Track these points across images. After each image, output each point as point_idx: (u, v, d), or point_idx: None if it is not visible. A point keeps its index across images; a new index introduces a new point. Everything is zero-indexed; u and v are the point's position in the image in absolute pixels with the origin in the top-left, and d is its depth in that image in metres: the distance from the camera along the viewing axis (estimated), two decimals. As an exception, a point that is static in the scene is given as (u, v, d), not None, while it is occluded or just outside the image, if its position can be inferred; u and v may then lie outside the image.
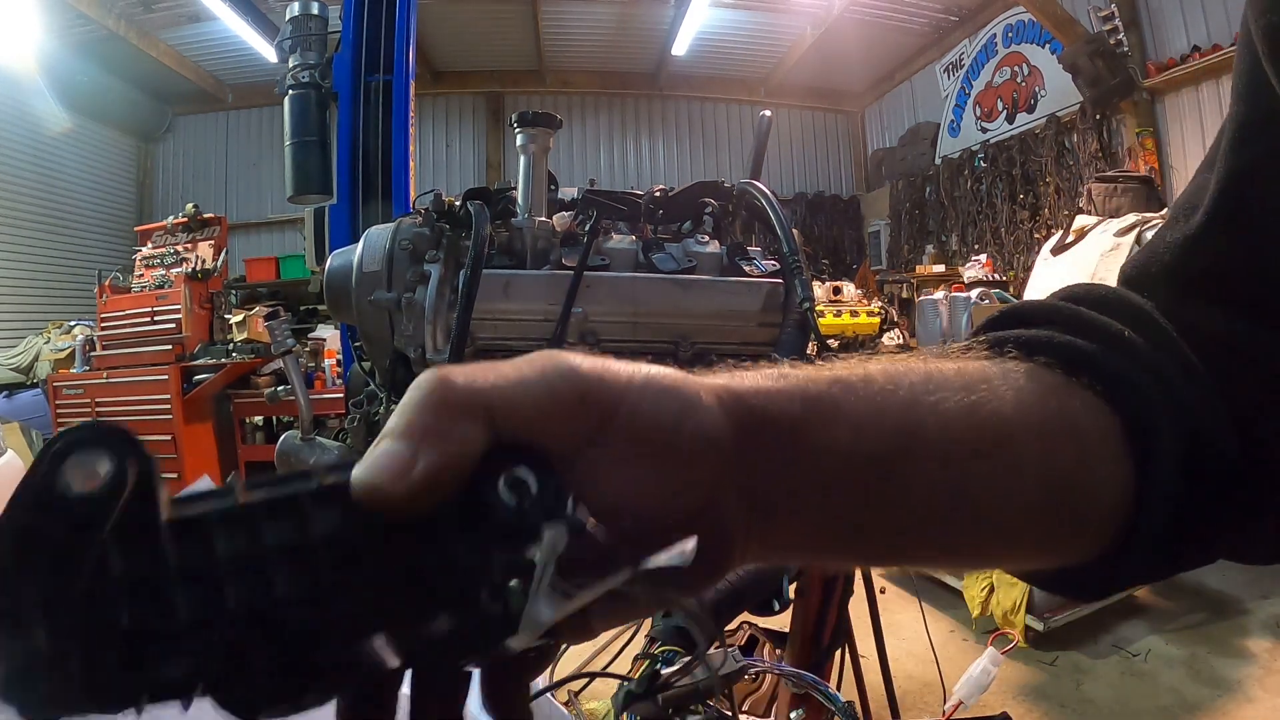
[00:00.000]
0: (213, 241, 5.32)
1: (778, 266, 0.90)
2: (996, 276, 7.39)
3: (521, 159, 0.87)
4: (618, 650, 1.45)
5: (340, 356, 4.91)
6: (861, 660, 1.24)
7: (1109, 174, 4.92)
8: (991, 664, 0.90)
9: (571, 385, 0.28)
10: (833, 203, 10.89)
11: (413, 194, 2.80)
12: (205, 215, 5.46)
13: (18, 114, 7.77)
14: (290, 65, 2.78)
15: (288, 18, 2.83)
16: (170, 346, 4.91)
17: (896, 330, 6.80)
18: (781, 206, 0.91)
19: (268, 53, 6.80)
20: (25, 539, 0.22)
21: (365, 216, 2.68)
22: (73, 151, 8.65)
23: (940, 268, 8.36)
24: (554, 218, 0.88)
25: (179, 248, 5.32)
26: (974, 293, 3.70)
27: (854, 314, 5.43)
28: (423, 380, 0.27)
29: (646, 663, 0.43)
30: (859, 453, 0.32)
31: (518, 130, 0.87)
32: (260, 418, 5.25)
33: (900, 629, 3.12)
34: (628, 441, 0.28)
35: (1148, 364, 0.39)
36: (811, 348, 0.91)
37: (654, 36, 9.01)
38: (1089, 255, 4.01)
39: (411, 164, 2.81)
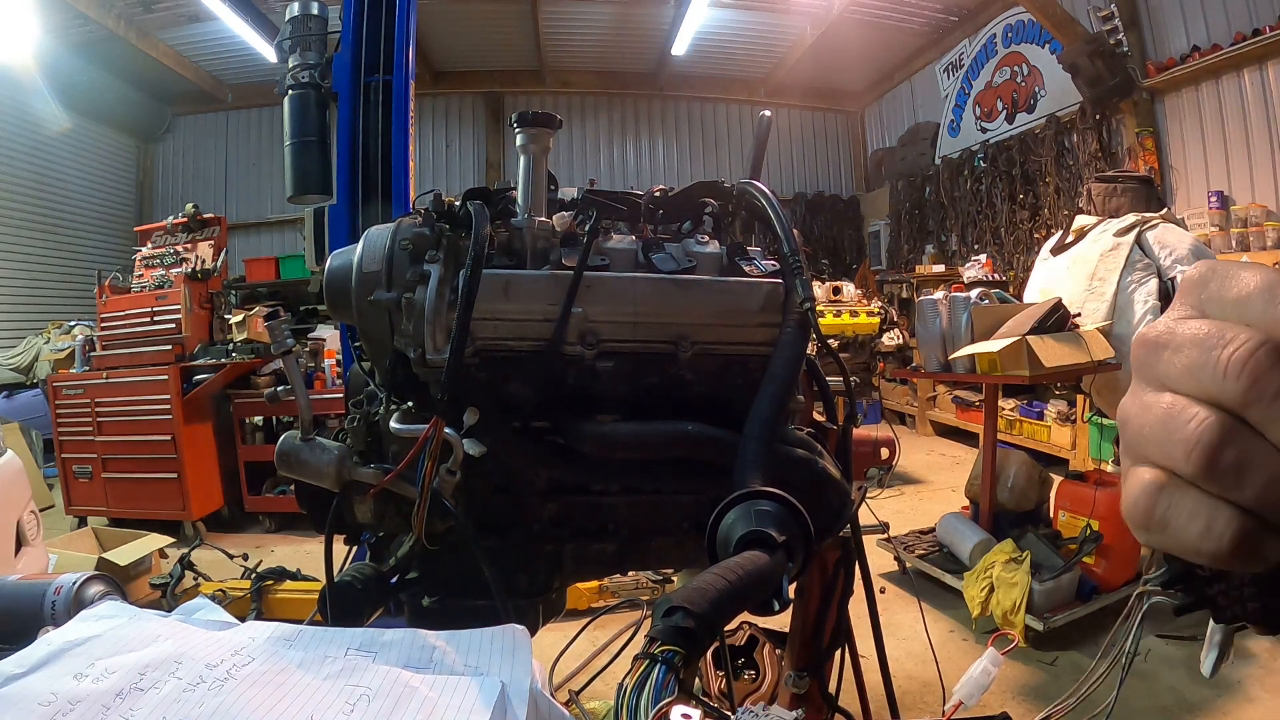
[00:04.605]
0: (212, 241, 5.32)
1: (778, 266, 0.90)
2: (996, 276, 7.40)
3: (521, 159, 0.87)
4: (618, 650, 1.45)
5: (340, 356, 4.91)
6: (861, 660, 1.24)
7: (1109, 174, 4.92)
8: (992, 664, 0.90)
9: None
10: (833, 203, 10.89)
11: (412, 194, 2.80)
12: (205, 215, 5.46)
13: (17, 114, 7.77)
14: (290, 65, 2.78)
15: (287, 18, 2.83)
16: (170, 346, 4.91)
17: (896, 330, 6.82)
18: (781, 206, 0.91)
19: (268, 53, 6.80)
20: None
21: (365, 216, 2.68)
22: (72, 151, 8.64)
23: (940, 268, 8.37)
24: (554, 218, 0.88)
25: (179, 248, 5.32)
26: (974, 293, 3.69)
27: (854, 314, 5.43)
28: None
29: (646, 663, 0.43)
30: None
31: (517, 130, 0.86)
32: (260, 418, 5.26)
33: (900, 629, 3.12)
34: None
35: None
36: (811, 348, 0.91)
37: (654, 36, 9.00)
38: (1089, 255, 4.02)
39: (411, 164, 2.80)
